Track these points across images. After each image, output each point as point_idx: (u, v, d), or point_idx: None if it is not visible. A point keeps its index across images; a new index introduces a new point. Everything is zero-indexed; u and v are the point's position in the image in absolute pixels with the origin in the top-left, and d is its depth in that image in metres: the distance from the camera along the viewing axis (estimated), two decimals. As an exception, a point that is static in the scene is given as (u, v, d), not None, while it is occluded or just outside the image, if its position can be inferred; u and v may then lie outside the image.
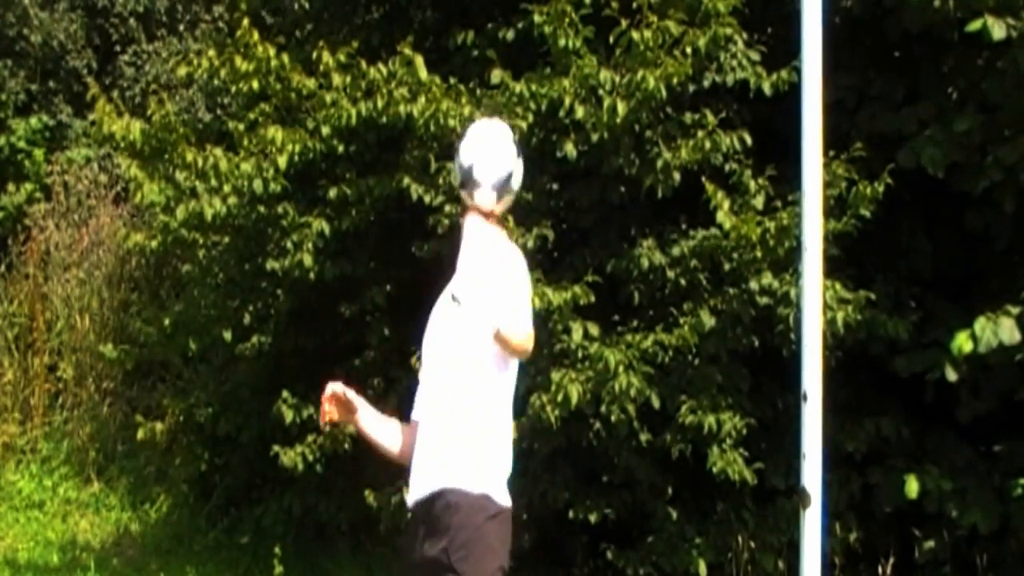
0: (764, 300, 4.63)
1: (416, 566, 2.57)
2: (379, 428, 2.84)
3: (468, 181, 2.71)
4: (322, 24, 6.39)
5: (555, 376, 4.53)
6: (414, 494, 2.61)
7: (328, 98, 5.13)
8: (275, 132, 5.18)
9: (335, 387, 2.78)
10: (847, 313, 4.50)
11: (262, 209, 5.29)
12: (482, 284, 2.56)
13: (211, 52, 5.39)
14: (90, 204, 8.60)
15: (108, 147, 7.89)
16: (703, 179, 4.61)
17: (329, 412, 2.75)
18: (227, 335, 5.66)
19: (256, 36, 5.22)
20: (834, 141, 4.40)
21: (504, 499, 2.56)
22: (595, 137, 4.68)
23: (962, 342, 4.46)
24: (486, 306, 2.54)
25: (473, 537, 2.49)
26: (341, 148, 5.23)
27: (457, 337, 2.63)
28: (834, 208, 4.50)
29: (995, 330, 4.42)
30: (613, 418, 4.51)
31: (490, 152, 2.73)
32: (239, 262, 5.72)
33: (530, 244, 4.67)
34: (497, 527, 2.53)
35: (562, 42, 4.72)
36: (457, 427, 2.57)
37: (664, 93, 4.58)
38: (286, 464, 5.25)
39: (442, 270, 5.00)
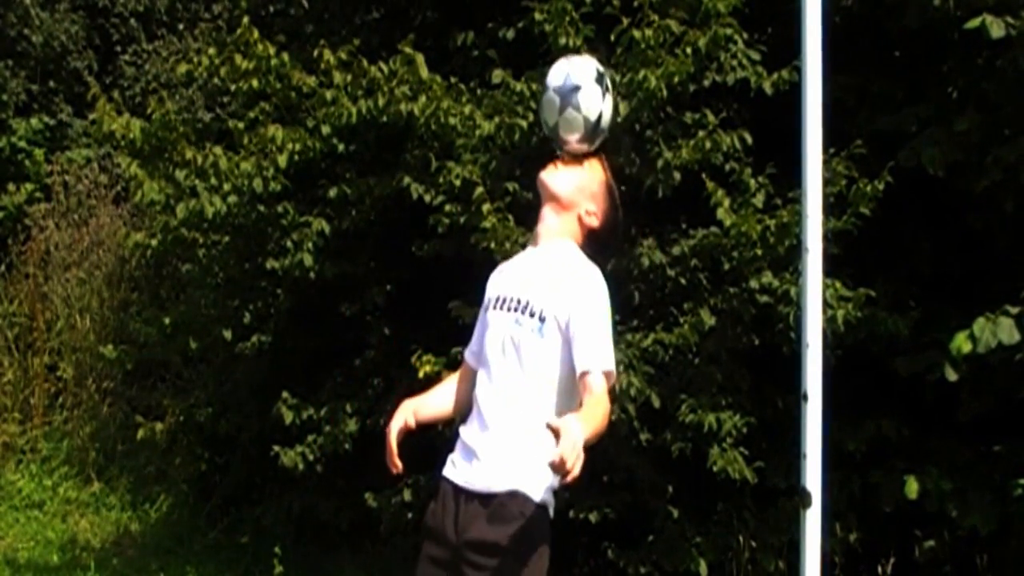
0: (764, 299, 4.63)
1: (448, 542, 2.61)
2: (432, 407, 2.89)
3: (552, 118, 2.69)
4: (323, 24, 6.40)
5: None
6: (473, 481, 2.61)
7: (328, 96, 5.13)
8: (275, 131, 5.18)
9: (396, 429, 2.79)
10: (847, 311, 4.50)
11: (262, 208, 5.29)
12: (571, 311, 2.53)
13: (211, 51, 5.39)
14: (90, 204, 8.61)
15: (108, 146, 7.91)
16: (703, 176, 4.61)
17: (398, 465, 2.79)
18: (227, 335, 5.66)
19: (256, 34, 5.22)
20: (834, 140, 4.40)
21: (551, 508, 2.62)
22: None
23: (961, 343, 4.45)
24: (578, 343, 2.52)
25: (529, 552, 2.55)
26: (341, 147, 5.23)
27: (534, 351, 2.59)
28: (834, 206, 4.50)
29: (994, 330, 4.41)
30: (613, 417, 4.48)
31: (581, 89, 2.67)
32: (239, 261, 5.72)
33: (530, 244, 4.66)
34: (544, 556, 2.58)
35: (563, 41, 4.71)
36: (527, 432, 2.56)
37: (665, 92, 4.58)
38: (286, 464, 5.24)
39: (442, 268, 5.04)
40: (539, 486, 2.56)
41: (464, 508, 2.60)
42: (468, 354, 2.85)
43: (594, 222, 2.73)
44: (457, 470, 2.68)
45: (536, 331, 2.58)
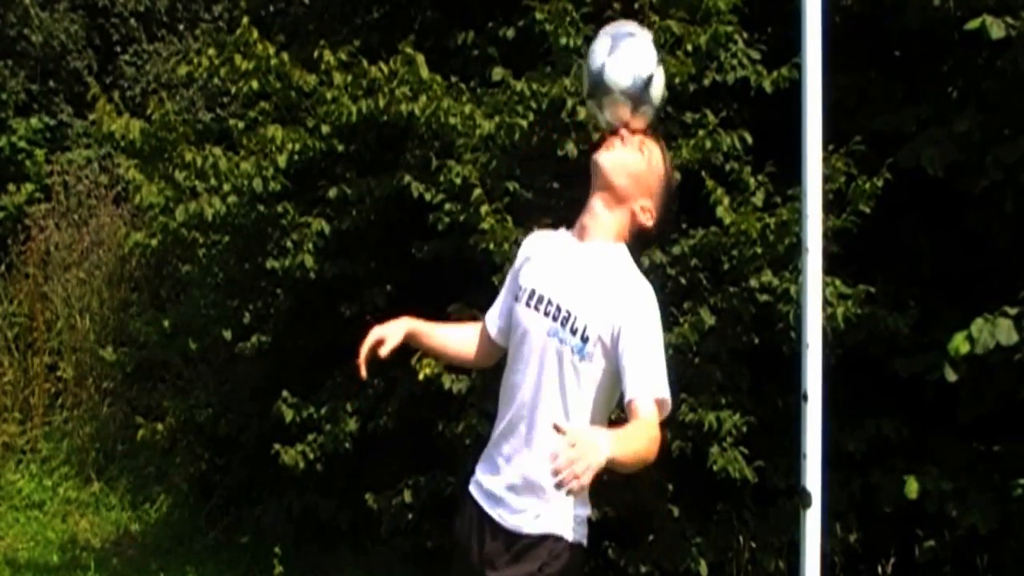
0: (764, 297, 4.63)
1: (471, 565, 2.47)
2: (446, 340, 2.68)
3: (597, 89, 2.43)
4: (323, 24, 6.40)
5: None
6: (503, 518, 2.40)
7: (328, 96, 5.13)
8: (275, 131, 5.18)
9: (379, 336, 2.52)
10: (847, 308, 4.50)
11: (262, 208, 5.29)
12: (619, 331, 2.26)
13: (211, 51, 5.39)
14: (90, 204, 8.60)
15: (108, 147, 7.90)
16: (703, 175, 4.61)
17: (386, 352, 2.53)
18: (227, 335, 5.65)
19: (256, 35, 5.22)
20: (834, 140, 4.41)
21: (585, 540, 2.45)
22: (596, 136, 4.68)
23: (959, 344, 4.45)
24: (627, 368, 2.24)
25: None
26: (341, 147, 5.23)
27: (573, 373, 2.33)
28: (833, 204, 4.50)
29: (992, 331, 4.41)
30: (613, 417, 4.50)
31: (626, 53, 2.43)
32: (239, 262, 5.72)
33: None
34: None
35: (563, 41, 4.71)
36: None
37: (665, 92, 4.57)
38: (286, 463, 5.24)
39: (442, 269, 5.04)
40: (571, 524, 2.40)
41: (490, 542, 2.42)
42: (491, 324, 2.62)
43: (648, 220, 2.49)
44: (485, 497, 2.47)
45: (578, 351, 2.33)
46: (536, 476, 2.37)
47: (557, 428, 2.10)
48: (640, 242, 2.53)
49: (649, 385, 2.27)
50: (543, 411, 2.37)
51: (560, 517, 2.40)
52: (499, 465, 2.45)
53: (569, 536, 2.41)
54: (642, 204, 2.49)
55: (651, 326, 2.34)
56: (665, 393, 2.28)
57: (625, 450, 2.09)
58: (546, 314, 2.39)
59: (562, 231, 2.59)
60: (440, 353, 2.75)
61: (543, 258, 2.52)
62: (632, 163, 2.47)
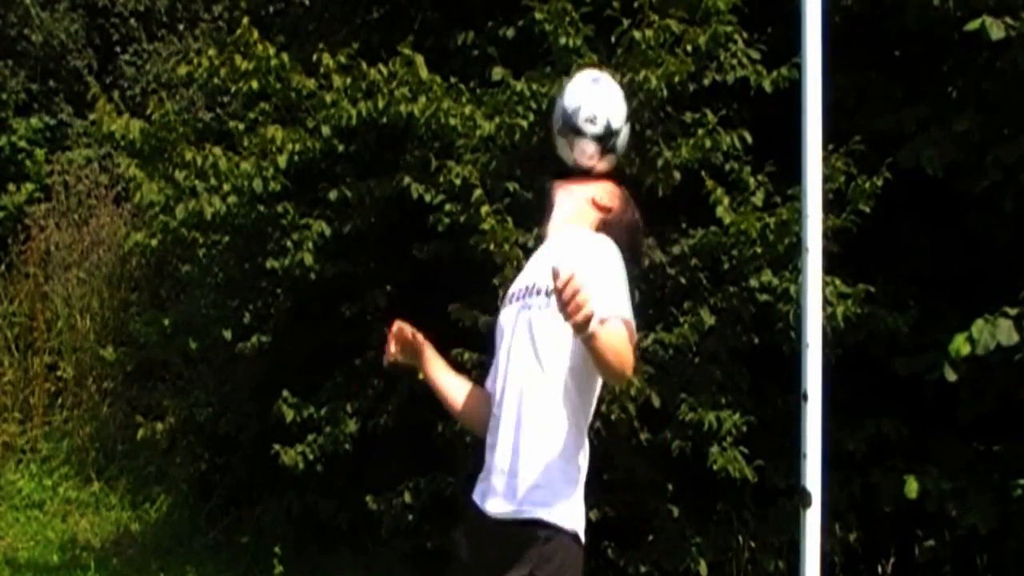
0: (764, 297, 4.63)
1: (468, 569, 2.45)
2: (447, 379, 2.65)
3: (568, 128, 2.52)
4: (322, 24, 6.40)
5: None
6: (494, 507, 2.40)
7: (328, 98, 5.13)
8: (275, 131, 5.18)
9: (401, 325, 2.60)
10: (847, 307, 4.50)
11: (262, 208, 5.29)
12: (581, 277, 2.12)
13: (211, 51, 5.39)
14: (90, 204, 8.62)
15: (108, 146, 7.90)
16: (703, 175, 4.61)
17: (393, 353, 2.62)
18: (227, 335, 5.65)
19: (256, 35, 5.22)
20: (834, 140, 4.41)
21: (582, 531, 2.44)
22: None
23: (959, 344, 4.45)
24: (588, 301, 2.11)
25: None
26: (341, 148, 5.23)
27: (544, 341, 2.35)
28: (833, 203, 4.50)
29: (992, 332, 4.41)
30: (613, 417, 4.51)
31: (601, 99, 2.51)
32: (239, 262, 5.72)
33: (531, 244, 4.66)
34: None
35: (563, 41, 4.71)
36: (546, 449, 2.36)
37: (665, 92, 4.58)
38: (286, 463, 5.24)
39: (442, 270, 5.04)
40: (572, 514, 2.42)
41: (487, 534, 2.41)
42: (489, 381, 2.60)
43: (606, 201, 2.55)
44: (482, 495, 2.46)
45: (545, 306, 2.34)
46: (531, 468, 2.36)
47: (555, 272, 2.05)
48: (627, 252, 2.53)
49: (614, 309, 2.28)
50: (523, 380, 2.38)
51: (557, 499, 2.39)
52: (493, 466, 2.43)
53: (568, 526, 2.40)
54: (599, 194, 2.57)
55: (609, 264, 2.37)
56: (630, 316, 2.31)
57: (607, 336, 2.15)
58: (516, 300, 2.47)
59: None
60: (451, 393, 2.69)
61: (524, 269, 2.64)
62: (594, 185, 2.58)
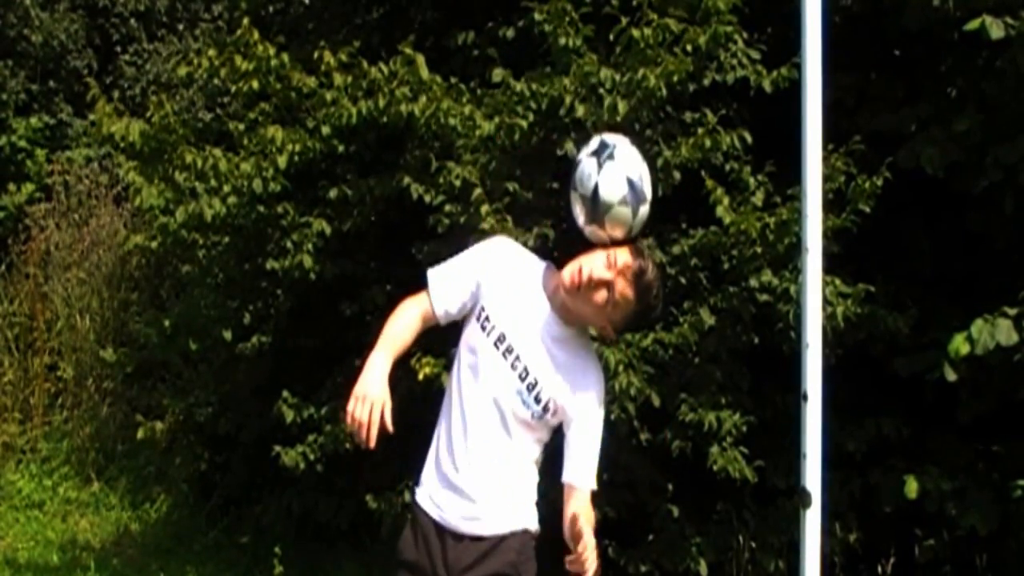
0: (764, 297, 4.63)
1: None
2: (407, 346, 2.77)
3: (597, 209, 2.45)
4: (322, 24, 6.40)
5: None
6: (464, 527, 2.53)
7: (328, 97, 5.13)
8: (275, 132, 5.18)
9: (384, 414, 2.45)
10: (847, 307, 4.51)
11: (262, 209, 5.29)
12: (577, 414, 2.49)
13: (211, 51, 5.38)
14: (91, 204, 8.60)
15: (108, 147, 7.90)
16: (703, 175, 4.61)
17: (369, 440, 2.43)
18: (227, 335, 5.65)
19: (256, 35, 5.22)
20: (833, 140, 4.41)
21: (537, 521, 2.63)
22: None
23: (959, 344, 4.45)
24: (574, 453, 2.50)
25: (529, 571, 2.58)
26: (341, 148, 5.23)
27: (518, 430, 2.52)
28: (833, 203, 4.50)
29: (992, 332, 4.41)
30: (613, 417, 4.51)
31: (616, 164, 2.47)
32: (239, 262, 5.72)
33: (531, 243, 4.67)
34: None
35: (562, 41, 4.72)
36: (512, 475, 2.55)
37: (664, 91, 4.58)
38: (286, 464, 5.24)
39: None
40: (533, 517, 2.60)
41: (453, 545, 2.52)
42: (439, 307, 2.68)
43: (612, 331, 2.58)
44: (444, 512, 2.54)
45: (537, 416, 2.51)
46: (487, 484, 2.51)
47: (576, 535, 2.31)
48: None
49: (589, 477, 2.50)
50: (490, 439, 2.52)
51: (521, 513, 2.57)
52: (448, 476, 2.54)
53: (533, 527, 2.59)
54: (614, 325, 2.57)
55: (600, 418, 2.54)
56: (594, 486, 2.52)
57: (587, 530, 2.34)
58: (513, 368, 2.50)
59: (533, 261, 2.66)
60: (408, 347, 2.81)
61: (512, 294, 2.57)
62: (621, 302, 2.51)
